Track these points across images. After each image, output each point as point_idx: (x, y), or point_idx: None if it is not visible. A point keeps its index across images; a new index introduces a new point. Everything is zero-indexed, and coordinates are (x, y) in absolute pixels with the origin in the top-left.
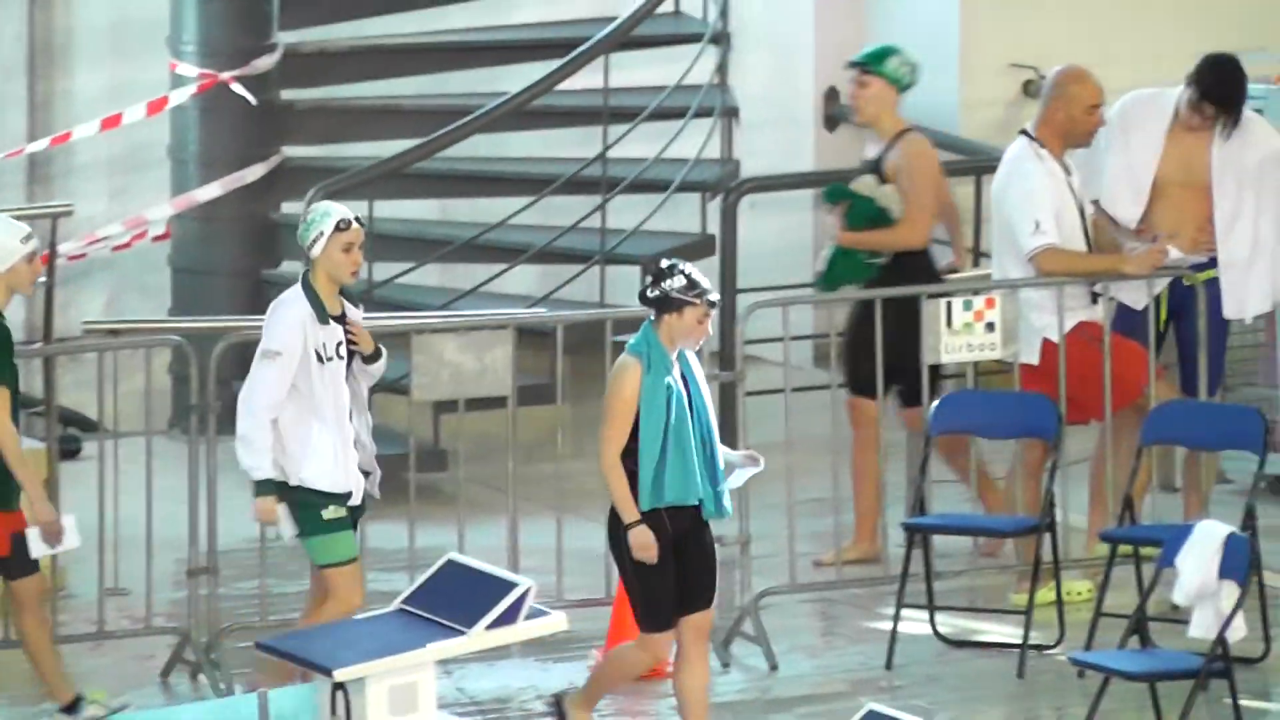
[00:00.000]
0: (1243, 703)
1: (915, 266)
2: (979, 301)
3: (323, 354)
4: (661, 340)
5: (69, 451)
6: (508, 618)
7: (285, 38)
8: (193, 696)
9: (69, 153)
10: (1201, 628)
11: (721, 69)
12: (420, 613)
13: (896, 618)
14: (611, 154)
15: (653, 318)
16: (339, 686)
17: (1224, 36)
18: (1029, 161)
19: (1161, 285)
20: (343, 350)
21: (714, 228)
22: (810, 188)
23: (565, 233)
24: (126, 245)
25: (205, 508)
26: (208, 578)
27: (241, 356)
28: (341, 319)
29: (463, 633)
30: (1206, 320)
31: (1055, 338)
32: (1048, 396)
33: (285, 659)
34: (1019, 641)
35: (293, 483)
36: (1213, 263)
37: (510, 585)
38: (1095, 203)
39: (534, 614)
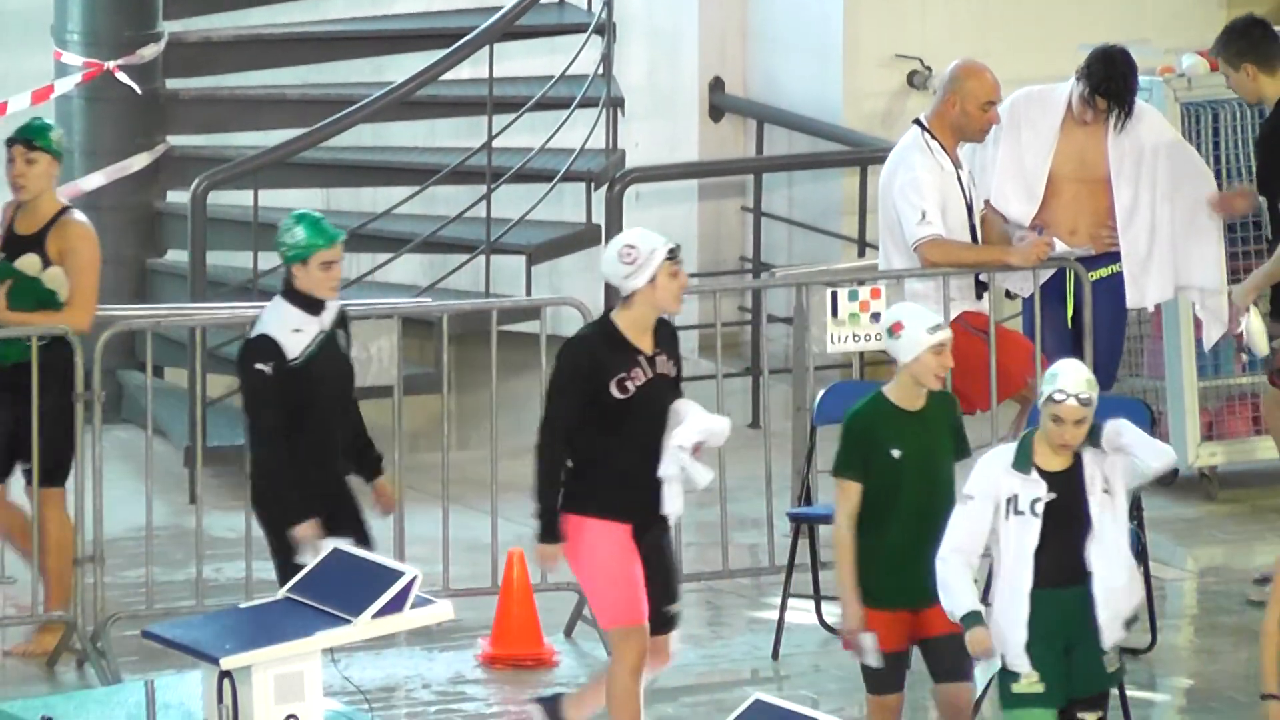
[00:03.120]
0: (1130, 693)
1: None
2: (864, 292)
3: (1014, 506)
4: None
5: None
6: (394, 606)
7: (170, 27)
8: (79, 685)
9: None
10: None
11: (606, 59)
12: (306, 601)
13: (783, 608)
14: (496, 144)
15: None
16: (225, 675)
17: (1107, 28)
18: (919, 152)
19: (1046, 275)
20: (1039, 508)
21: (599, 218)
22: (694, 178)
23: (450, 223)
24: None
25: (91, 496)
26: (94, 566)
27: (127, 345)
28: (1070, 474)
29: (349, 621)
30: (1103, 315)
31: None
32: None
33: (172, 648)
34: None
35: None
36: (1109, 258)
37: (396, 574)
38: (986, 201)
39: (420, 603)
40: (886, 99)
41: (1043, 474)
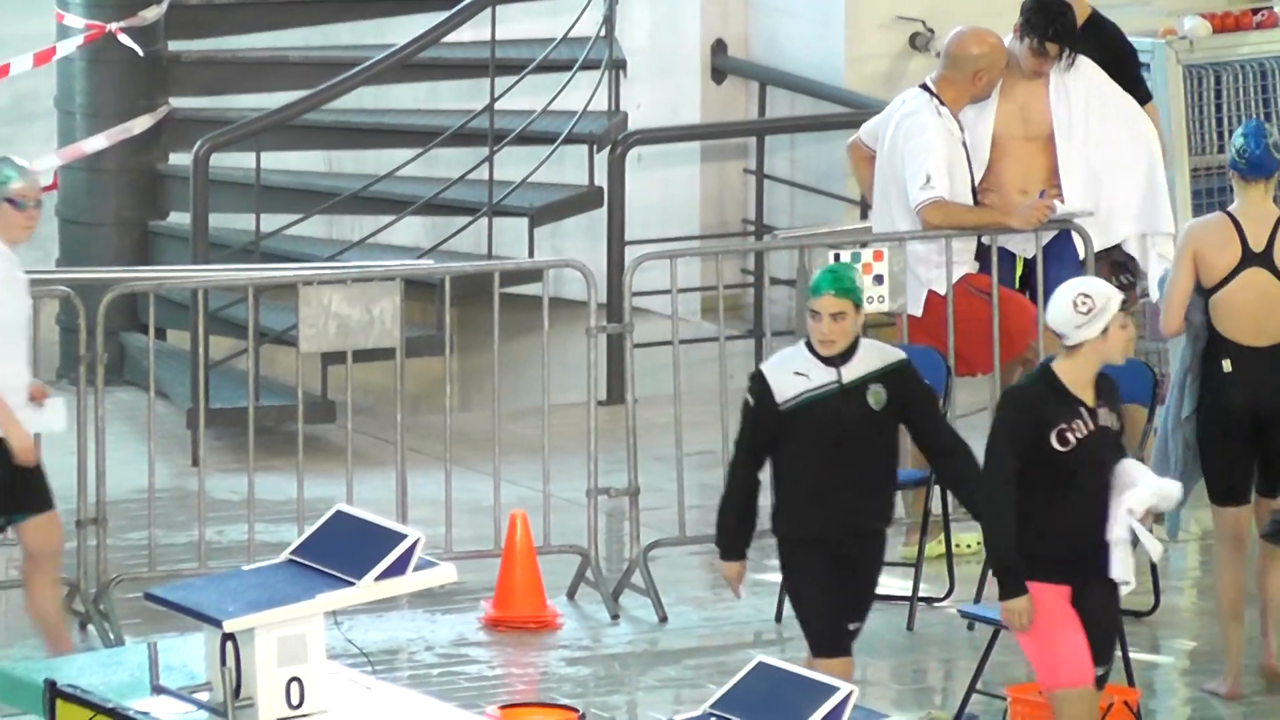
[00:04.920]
0: (1133, 655)
1: None
2: (867, 254)
3: None
4: None
5: None
6: (397, 569)
7: None
8: (82, 647)
9: None
10: None
11: (608, 21)
12: (309, 564)
13: None
14: (498, 106)
15: None
16: (228, 637)
17: None
18: (929, 115)
19: (1048, 237)
20: None
21: (601, 180)
22: (697, 140)
23: (452, 185)
24: None
25: (93, 458)
26: (96, 528)
27: (129, 307)
28: None
29: (352, 584)
30: (1066, 268)
31: (941, 290)
32: (935, 349)
33: (174, 610)
34: (908, 594)
35: None
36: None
37: (399, 536)
38: None
39: (423, 565)
40: (888, 61)
41: None
